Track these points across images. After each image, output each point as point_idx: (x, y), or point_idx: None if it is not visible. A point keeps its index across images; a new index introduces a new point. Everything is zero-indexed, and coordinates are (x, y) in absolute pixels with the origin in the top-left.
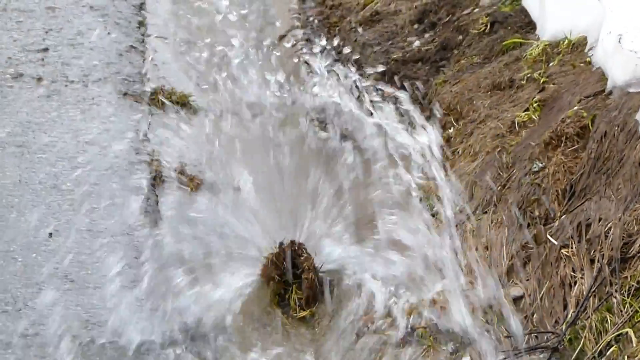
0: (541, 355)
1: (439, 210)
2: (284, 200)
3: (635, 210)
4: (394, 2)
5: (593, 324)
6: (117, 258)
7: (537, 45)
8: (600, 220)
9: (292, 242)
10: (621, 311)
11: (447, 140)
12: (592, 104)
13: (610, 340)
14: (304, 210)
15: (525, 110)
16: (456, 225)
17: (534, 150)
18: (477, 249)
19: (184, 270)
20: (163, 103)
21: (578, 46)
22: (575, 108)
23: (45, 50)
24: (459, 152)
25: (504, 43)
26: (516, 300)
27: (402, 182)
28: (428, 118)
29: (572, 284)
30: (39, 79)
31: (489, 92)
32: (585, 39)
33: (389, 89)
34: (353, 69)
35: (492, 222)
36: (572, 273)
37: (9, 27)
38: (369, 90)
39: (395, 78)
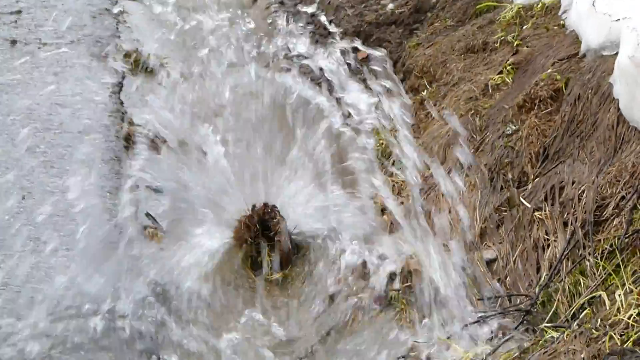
0: (514, 318)
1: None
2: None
3: (608, 173)
4: None
5: (566, 287)
6: (90, 220)
7: (511, 8)
8: (573, 183)
9: (265, 205)
10: (594, 274)
11: (421, 102)
12: (566, 67)
13: (584, 303)
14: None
15: (498, 73)
16: (428, 188)
17: (507, 113)
18: (449, 212)
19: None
20: (136, 65)
21: (552, 9)
22: (549, 71)
23: (19, 12)
24: (432, 115)
25: (477, 6)
26: (489, 263)
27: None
28: (402, 80)
29: (546, 247)
30: (13, 42)
31: (463, 55)
32: (559, 1)
33: (362, 51)
34: (325, 31)
35: (465, 185)
36: (545, 236)
37: None
38: (343, 52)
39: (369, 41)
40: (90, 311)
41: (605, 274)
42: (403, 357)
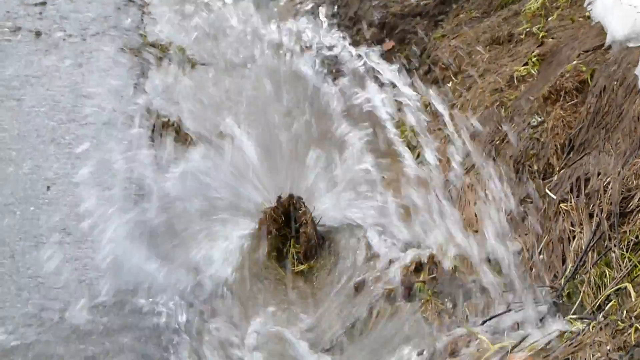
0: (539, 310)
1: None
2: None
3: (634, 165)
4: None
5: (592, 279)
6: (117, 211)
7: (536, 0)
8: (599, 174)
9: (291, 196)
10: (620, 266)
11: (446, 94)
12: (591, 58)
13: (609, 295)
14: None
15: (524, 65)
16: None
17: (532, 105)
18: (475, 204)
19: (185, 223)
20: (161, 56)
21: (577, 1)
22: (574, 62)
23: (43, 4)
24: (457, 106)
25: None
26: (515, 254)
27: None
28: (426, 72)
29: (571, 239)
30: (37, 33)
31: (488, 47)
32: None
33: (387, 43)
34: (350, 22)
35: (490, 177)
36: (570, 227)
37: None
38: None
39: (394, 32)
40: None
41: (631, 265)
42: (426, 349)
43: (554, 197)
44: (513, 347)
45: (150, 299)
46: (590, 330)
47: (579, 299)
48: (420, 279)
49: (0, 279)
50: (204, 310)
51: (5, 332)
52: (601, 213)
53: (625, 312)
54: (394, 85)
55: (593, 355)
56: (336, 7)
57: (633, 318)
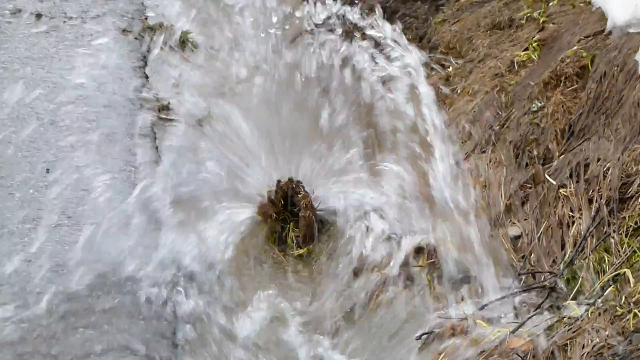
0: (539, 295)
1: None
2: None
3: (634, 151)
4: None
5: (591, 264)
6: (115, 194)
7: None
8: (598, 160)
9: (290, 180)
10: (619, 251)
11: (447, 79)
12: (592, 44)
13: (608, 280)
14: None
15: (524, 50)
16: (455, 163)
17: (533, 90)
18: (474, 188)
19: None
20: (162, 40)
21: None
22: (575, 48)
23: None
24: (457, 91)
25: None
26: (514, 239)
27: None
28: (428, 57)
29: (570, 224)
30: (38, 15)
31: (489, 32)
32: None
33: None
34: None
35: (490, 162)
36: (570, 213)
37: None
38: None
39: (395, 16)
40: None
41: (630, 251)
42: (426, 333)
43: (554, 182)
44: (512, 332)
45: (148, 279)
46: (589, 315)
47: (578, 284)
48: (419, 263)
49: None
50: (201, 293)
51: None
52: (600, 199)
53: (624, 297)
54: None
55: (591, 341)
56: None
57: (632, 304)
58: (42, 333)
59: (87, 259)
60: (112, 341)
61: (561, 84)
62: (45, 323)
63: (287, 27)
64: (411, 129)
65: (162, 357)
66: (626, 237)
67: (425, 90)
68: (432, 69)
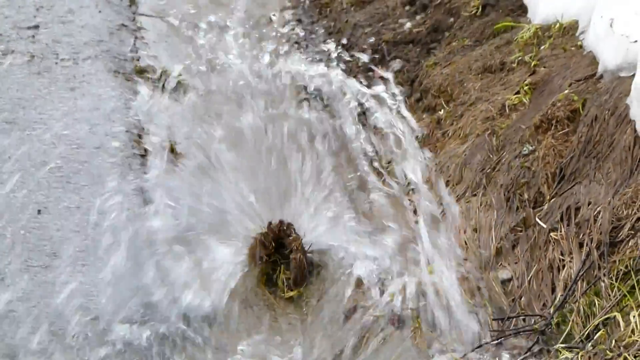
0: (528, 338)
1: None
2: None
3: (624, 195)
4: None
5: (581, 308)
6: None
7: (529, 29)
8: (589, 204)
9: (281, 222)
10: (609, 295)
11: (438, 122)
12: (583, 87)
13: (598, 324)
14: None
15: (516, 93)
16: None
17: (524, 133)
18: (465, 232)
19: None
20: (153, 81)
21: (569, 30)
22: (566, 91)
23: (36, 27)
24: (449, 134)
25: (495, 26)
26: (504, 282)
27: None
28: (418, 100)
29: (561, 268)
30: (30, 56)
31: (480, 75)
32: (576, 22)
33: (378, 71)
34: (343, 49)
35: (481, 205)
36: (560, 256)
37: (0, 4)
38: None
39: (386, 59)
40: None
41: (620, 295)
42: None
43: (544, 225)
44: None
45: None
46: (579, 359)
47: (568, 328)
48: (410, 306)
49: None
50: (189, 338)
51: None
52: (591, 242)
53: (614, 341)
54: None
55: None
56: (329, 34)
57: (622, 347)
58: None
59: None
60: None
61: (552, 128)
62: None
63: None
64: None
65: None
66: (616, 281)
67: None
68: (424, 110)
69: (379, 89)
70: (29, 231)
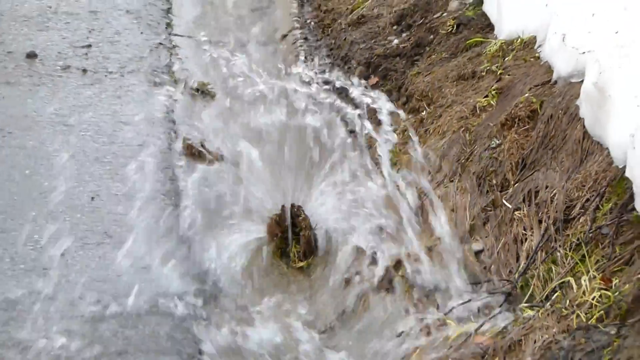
0: (497, 299)
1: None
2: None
3: (575, 180)
4: (377, 8)
5: (541, 274)
6: (149, 216)
7: (495, 43)
8: (547, 187)
9: (292, 205)
10: (564, 263)
11: (421, 121)
12: (541, 91)
13: (555, 287)
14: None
15: (485, 97)
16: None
17: (492, 130)
18: (444, 211)
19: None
20: (185, 89)
21: (529, 44)
22: (527, 95)
23: (89, 46)
24: (430, 131)
25: (467, 41)
26: (477, 253)
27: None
28: (404, 103)
29: (523, 240)
30: (84, 70)
31: (455, 82)
32: (534, 38)
33: (372, 79)
34: (341, 62)
35: (457, 189)
36: (523, 231)
37: (59, 27)
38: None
39: (378, 70)
40: None
41: (573, 262)
42: (404, 331)
43: (510, 206)
44: (476, 330)
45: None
46: (539, 316)
47: (530, 291)
48: (399, 274)
49: None
50: (215, 299)
51: None
52: (548, 219)
53: (568, 301)
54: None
55: (541, 337)
56: (330, 49)
57: (575, 306)
58: None
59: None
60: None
61: (515, 125)
62: None
63: None
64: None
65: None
66: (570, 251)
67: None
68: (409, 112)
69: (373, 94)
70: (84, 214)
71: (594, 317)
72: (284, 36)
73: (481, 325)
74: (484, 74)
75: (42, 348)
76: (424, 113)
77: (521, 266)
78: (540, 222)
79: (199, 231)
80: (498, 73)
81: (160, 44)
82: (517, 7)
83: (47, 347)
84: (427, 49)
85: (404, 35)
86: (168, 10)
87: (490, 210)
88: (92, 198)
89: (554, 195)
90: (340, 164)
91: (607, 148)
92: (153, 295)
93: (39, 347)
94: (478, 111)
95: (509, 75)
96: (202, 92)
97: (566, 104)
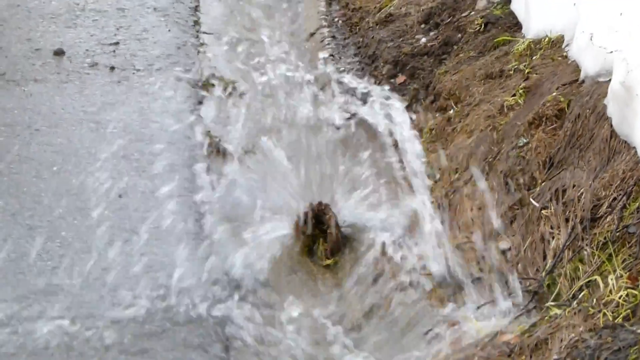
0: (524, 298)
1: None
2: None
3: (603, 179)
4: (405, 6)
5: (567, 272)
6: (175, 214)
7: (523, 42)
8: (574, 186)
9: (319, 203)
10: (591, 261)
11: (448, 120)
12: (568, 90)
13: (582, 286)
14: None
15: (512, 96)
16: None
17: (519, 129)
18: (471, 210)
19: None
20: (213, 87)
21: (557, 43)
22: (554, 94)
23: (117, 44)
24: (457, 130)
25: (495, 40)
26: (504, 252)
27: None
28: (432, 102)
29: (550, 239)
30: (111, 68)
31: (483, 81)
32: (562, 37)
33: (400, 78)
34: (369, 60)
35: (485, 188)
36: (550, 230)
37: (87, 25)
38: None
39: (405, 68)
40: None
41: (600, 261)
42: (431, 329)
43: (537, 204)
44: (503, 328)
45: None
46: (566, 315)
47: (557, 289)
48: (426, 272)
49: None
50: (244, 296)
51: None
52: (575, 218)
53: (595, 300)
54: None
55: (568, 336)
56: (358, 47)
57: (602, 305)
58: None
59: None
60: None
61: (543, 124)
62: None
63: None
64: None
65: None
66: (597, 250)
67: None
68: (437, 110)
69: (399, 93)
70: (112, 211)
71: (621, 315)
72: (312, 34)
73: (509, 324)
74: (511, 72)
75: None
76: (451, 112)
77: (548, 265)
78: (567, 220)
79: (224, 230)
80: (526, 72)
81: (188, 41)
82: (544, 6)
83: None
84: (455, 47)
85: (431, 33)
86: (195, 8)
87: (518, 209)
88: (120, 195)
89: (581, 194)
90: (368, 160)
91: (634, 147)
92: (177, 291)
93: None
94: (505, 110)
95: (536, 74)
96: (230, 90)
97: (594, 103)
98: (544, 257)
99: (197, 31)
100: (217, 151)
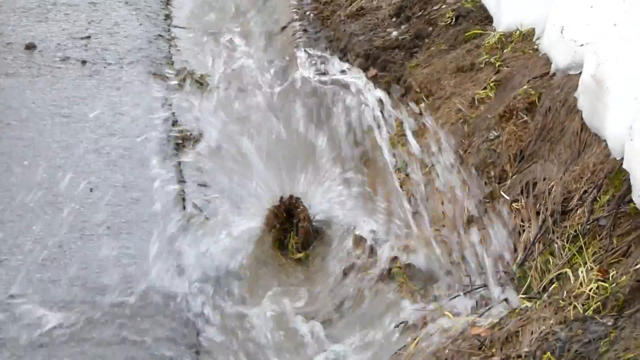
0: (495, 290)
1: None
2: None
3: (573, 172)
4: (376, 0)
5: (538, 265)
6: (147, 208)
7: (494, 35)
8: (544, 179)
9: (291, 197)
10: (562, 254)
11: (419, 113)
12: (539, 83)
13: (552, 279)
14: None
15: (483, 89)
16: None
17: (490, 122)
18: (442, 203)
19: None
20: (184, 81)
21: (527, 36)
22: (525, 87)
23: (88, 37)
24: (428, 123)
25: (466, 33)
26: (475, 244)
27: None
28: (403, 95)
29: (521, 232)
30: (83, 62)
31: (454, 74)
32: (533, 30)
33: (371, 71)
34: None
35: (455, 181)
36: (521, 223)
37: (58, 19)
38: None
39: (377, 62)
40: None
41: (570, 254)
42: (403, 322)
43: (508, 197)
44: (473, 321)
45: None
46: (537, 307)
47: (528, 282)
48: (397, 265)
49: None
50: (214, 291)
51: None
52: (546, 211)
53: (565, 292)
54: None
55: (539, 328)
56: (330, 41)
57: (572, 297)
58: None
59: None
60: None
61: (513, 117)
62: None
63: None
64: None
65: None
66: (567, 242)
67: None
68: (408, 104)
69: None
70: (82, 206)
71: (591, 308)
72: (284, 28)
73: (479, 316)
74: (482, 66)
75: None
76: (422, 105)
77: (519, 258)
78: (538, 213)
79: (196, 223)
80: (497, 65)
81: (160, 35)
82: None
83: None
84: (426, 40)
85: (403, 27)
86: (167, 2)
87: (489, 202)
88: (91, 189)
89: (552, 187)
90: (340, 154)
91: (605, 140)
92: (149, 285)
93: None
94: (476, 103)
95: (507, 67)
96: (201, 83)
97: (564, 96)
98: (515, 250)
99: (169, 25)
100: (189, 144)
